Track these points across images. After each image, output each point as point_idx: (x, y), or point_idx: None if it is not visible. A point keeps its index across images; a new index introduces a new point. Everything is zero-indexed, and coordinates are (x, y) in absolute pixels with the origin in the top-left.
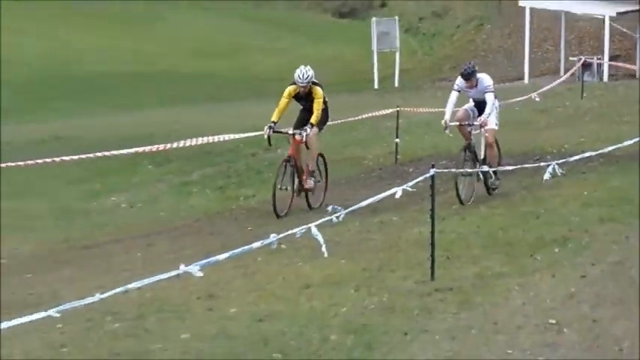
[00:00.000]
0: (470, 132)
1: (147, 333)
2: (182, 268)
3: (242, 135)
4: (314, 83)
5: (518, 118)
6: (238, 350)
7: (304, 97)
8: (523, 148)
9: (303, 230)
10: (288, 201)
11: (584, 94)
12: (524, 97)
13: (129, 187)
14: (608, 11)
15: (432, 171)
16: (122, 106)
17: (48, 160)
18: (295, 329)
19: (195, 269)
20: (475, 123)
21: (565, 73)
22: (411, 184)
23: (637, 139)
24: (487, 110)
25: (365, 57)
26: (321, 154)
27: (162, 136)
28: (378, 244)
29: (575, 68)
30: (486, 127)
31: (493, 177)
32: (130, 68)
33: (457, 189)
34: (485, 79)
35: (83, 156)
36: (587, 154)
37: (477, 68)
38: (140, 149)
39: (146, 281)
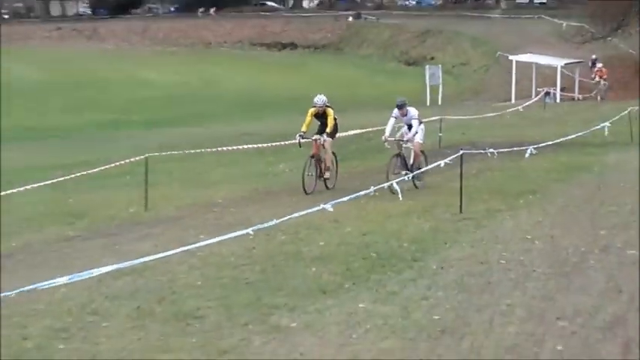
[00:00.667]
0: (401, 145)
1: (300, 241)
2: (321, 205)
3: (358, 131)
4: (327, 106)
5: (509, 122)
6: (351, 251)
7: (321, 115)
8: (512, 139)
9: (388, 184)
10: (313, 184)
11: (546, 109)
12: (513, 109)
13: (290, 159)
14: (560, 63)
15: (461, 152)
16: (287, 115)
17: (245, 146)
18: (383, 239)
19: (328, 207)
20: (405, 139)
21: (535, 97)
22: (448, 159)
23: (577, 134)
24: (412, 131)
25: (422, 88)
26: (333, 153)
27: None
28: (430, 192)
29: (541, 95)
30: (414, 142)
31: (416, 176)
32: (289, 94)
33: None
34: (412, 110)
35: (263, 145)
36: (549, 142)
37: (407, 102)
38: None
39: (302, 212)
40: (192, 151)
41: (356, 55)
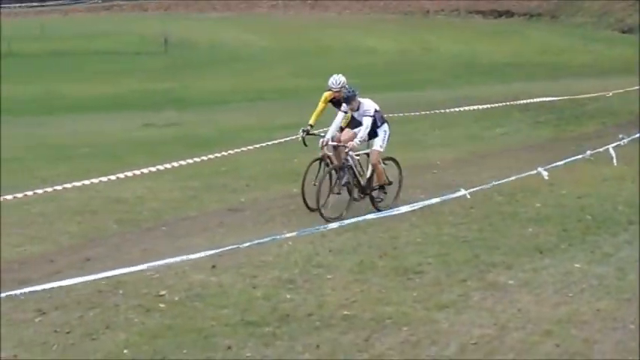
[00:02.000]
0: (346, 153)
1: (516, 202)
2: (538, 169)
3: (572, 97)
4: None
5: None
6: (567, 213)
7: (339, 102)
8: None
9: (603, 149)
10: (324, 196)
11: None
12: None
13: (505, 124)
14: None
15: None
16: (503, 81)
17: (462, 108)
18: (598, 202)
19: (544, 173)
20: (349, 145)
21: None
22: None
23: None
24: (360, 134)
25: (636, 56)
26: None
27: (535, 94)
28: None
29: None
30: (372, 151)
31: (377, 197)
32: (505, 60)
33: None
34: (365, 103)
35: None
36: None
37: (357, 93)
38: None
39: (518, 175)
40: (410, 114)
41: (570, 24)
